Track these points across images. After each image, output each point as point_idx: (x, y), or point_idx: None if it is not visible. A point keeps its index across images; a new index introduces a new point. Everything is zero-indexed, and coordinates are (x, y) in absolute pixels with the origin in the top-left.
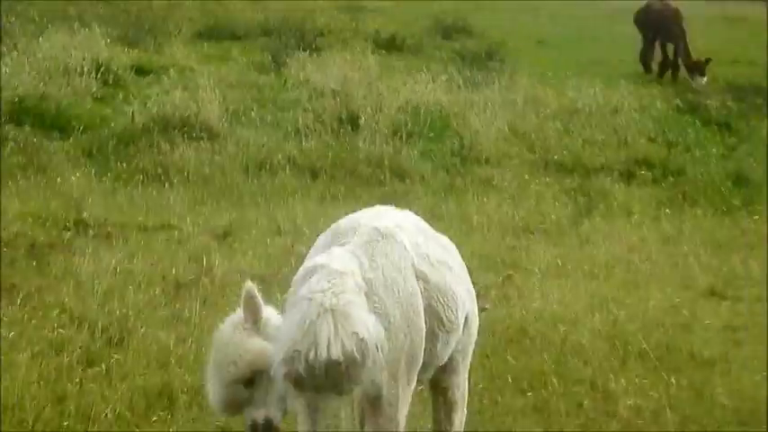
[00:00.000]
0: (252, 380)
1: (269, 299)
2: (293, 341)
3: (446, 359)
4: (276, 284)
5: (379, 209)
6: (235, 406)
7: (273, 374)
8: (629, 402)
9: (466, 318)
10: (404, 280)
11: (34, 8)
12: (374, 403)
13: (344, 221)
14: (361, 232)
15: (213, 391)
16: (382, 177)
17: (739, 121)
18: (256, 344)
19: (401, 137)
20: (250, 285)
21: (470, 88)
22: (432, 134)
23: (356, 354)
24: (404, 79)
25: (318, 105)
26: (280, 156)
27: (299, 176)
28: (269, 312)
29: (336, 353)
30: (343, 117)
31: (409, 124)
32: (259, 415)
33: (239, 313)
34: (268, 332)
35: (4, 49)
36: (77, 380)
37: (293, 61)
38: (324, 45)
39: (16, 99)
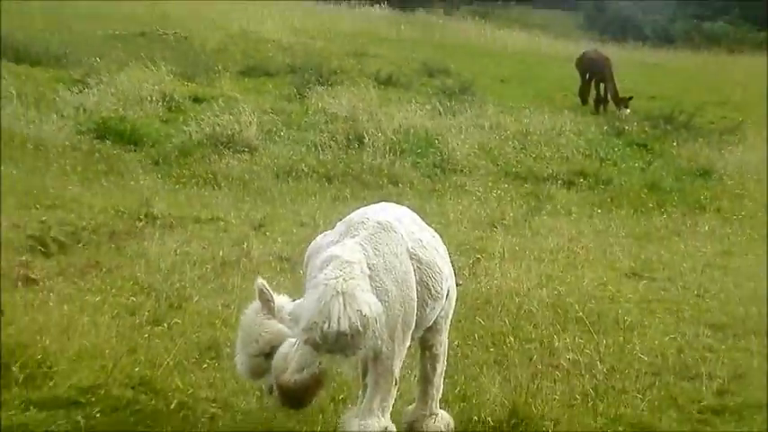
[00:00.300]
0: (270, 353)
1: (293, 276)
2: (312, 316)
3: (432, 322)
4: (299, 264)
5: (384, 204)
6: (258, 374)
7: (297, 338)
8: (568, 357)
9: (448, 290)
10: (400, 263)
11: (116, 50)
12: (375, 358)
13: (356, 215)
14: (367, 225)
15: (240, 363)
16: (381, 183)
17: (654, 142)
18: (273, 326)
19: (395, 152)
20: (260, 282)
21: (448, 116)
22: (419, 150)
23: (359, 327)
24: (398, 108)
25: (332, 128)
26: (303, 165)
27: (318, 182)
28: (281, 300)
29: (344, 326)
30: (351, 137)
31: (402, 142)
32: (272, 383)
33: (259, 304)
34: (282, 316)
35: (93, 81)
36: (146, 336)
37: (313, 93)
38: (336, 81)
39: (101, 120)
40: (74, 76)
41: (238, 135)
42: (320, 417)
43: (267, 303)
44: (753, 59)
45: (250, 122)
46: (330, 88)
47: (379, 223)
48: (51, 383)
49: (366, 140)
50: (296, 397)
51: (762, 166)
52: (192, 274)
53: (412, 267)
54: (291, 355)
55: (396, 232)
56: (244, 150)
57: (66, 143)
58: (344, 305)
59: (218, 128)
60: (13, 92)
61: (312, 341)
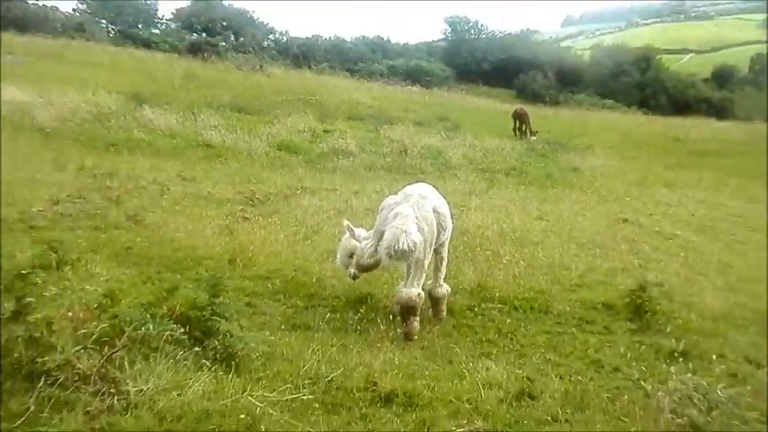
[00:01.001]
0: (351, 255)
1: (372, 216)
2: (391, 242)
3: (442, 240)
4: (374, 211)
5: (421, 183)
6: (345, 265)
7: (380, 252)
8: (506, 258)
9: (449, 226)
10: (429, 215)
11: (286, 106)
12: (416, 260)
13: (408, 189)
14: (414, 196)
15: (338, 259)
16: (415, 173)
17: (549, 154)
18: (353, 242)
19: (422, 157)
20: (346, 222)
21: (448, 140)
22: (433, 157)
23: (412, 247)
24: (423, 136)
25: (391, 145)
26: (377, 164)
27: (384, 172)
28: (359, 231)
29: (405, 247)
30: (400, 150)
31: (425, 153)
32: (352, 270)
33: (347, 232)
34: (358, 238)
35: (275, 122)
36: (300, 245)
37: (382, 128)
38: (394, 123)
39: (280, 141)
40: (266, 119)
41: (346, 148)
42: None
43: (351, 231)
44: (601, 113)
45: (351, 142)
46: (390, 126)
47: (420, 195)
48: (255, 268)
49: (408, 152)
50: (365, 269)
51: (602, 167)
52: (323, 216)
53: (434, 217)
54: (359, 254)
55: (427, 199)
56: (348, 156)
57: (262, 152)
58: (405, 236)
59: (335, 145)
60: (239, 130)
61: (389, 253)
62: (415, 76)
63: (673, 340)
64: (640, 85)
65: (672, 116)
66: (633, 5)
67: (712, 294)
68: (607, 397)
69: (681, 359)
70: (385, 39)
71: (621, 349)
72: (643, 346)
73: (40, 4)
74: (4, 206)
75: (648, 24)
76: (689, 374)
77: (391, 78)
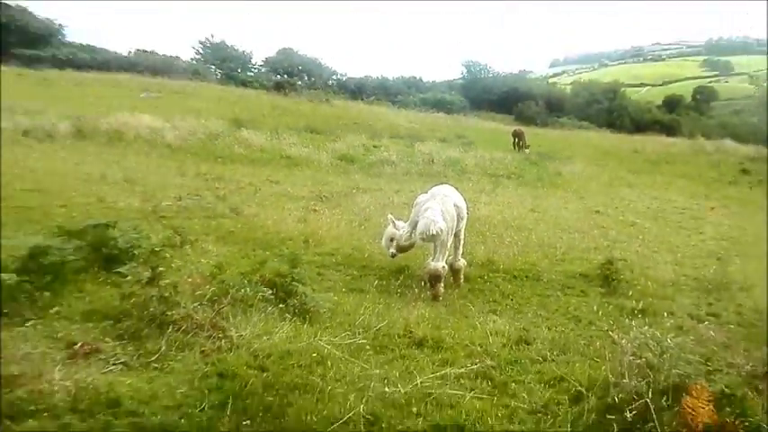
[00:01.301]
0: (392, 239)
1: (408, 209)
2: (422, 228)
3: (460, 227)
4: (409, 205)
5: (445, 185)
6: (387, 247)
7: (414, 236)
8: (508, 240)
9: (465, 216)
10: (451, 208)
11: (341, 128)
12: (441, 242)
13: (435, 189)
14: (439, 194)
15: (382, 242)
16: (440, 177)
17: (540, 162)
18: (393, 230)
19: (445, 165)
20: (389, 215)
21: (464, 153)
22: (453, 165)
23: (439, 233)
24: (446, 149)
25: (422, 157)
26: (412, 170)
27: (418, 176)
28: (399, 223)
29: (434, 232)
30: (428, 160)
31: (447, 162)
32: (392, 250)
33: (389, 223)
34: (397, 226)
35: (338, 140)
36: (356, 230)
37: (416, 145)
38: (424, 140)
39: (341, 154)
40: (331, 138)
41: (389, 159)
42: (405, 270)
43: (392, 223)
44: (579, 132)
45: (393, 154)
46: (422, 142)
47: (444, 193)
48: (323, 246)
49: (434, 161)
50: (403, 249)
51: (580, 172)
52: (372, 209)
53: (454, 210)
54: (398, 238)
55: (449, 196)
56: (391, 164)
57: (328, 162)
58: (434, 225)
59: (381, 156)
60: (310, 146)
61: (422, 237)
62: (440, 106)
63: (633, 301)
64: (609, 111)
65: (633, 134)
66: (603, 51)
67: (663, 267)
68: (583, 343)
69: (640, 315)
70: (417, 78)
71: (594, 308)
72: (611, 306)
73: (169, 54)
74: (143, 201)
75: (615, 65)
76: (646, 327)
77: (422, 107)
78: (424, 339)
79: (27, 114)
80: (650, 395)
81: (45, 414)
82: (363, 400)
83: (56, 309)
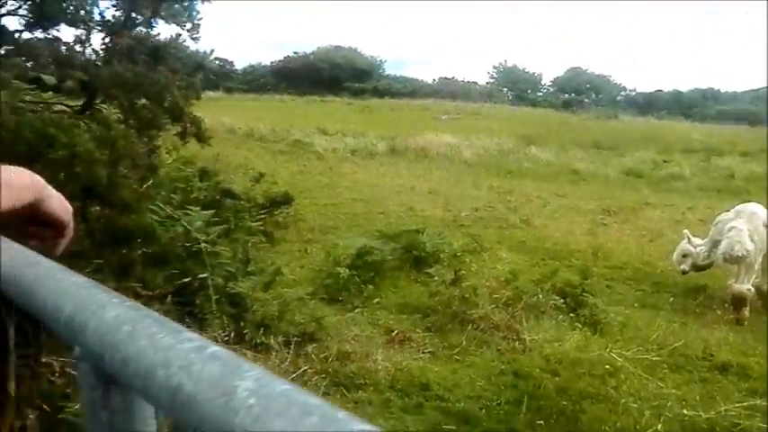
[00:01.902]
0: (685, 255)
1: (700, 228)
2: (725, 249)
3: None
4: (706, 222)
5: (752, 203)
6: (679, 263)
7: (714, 256)
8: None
9: None
10: (761, 228)
11: (562, 140)
12: (747, 264)
13: (739, 207)
14: (746, 213)
15: (674, 257)
16: (743, 195)
17: None
18: (689, 247)
19: (748, 181)
20: (686, 231)
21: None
22: (758, 182)
23: (744, 254)
24: (748, 165)
25: (719, 171)
26: (708, 186)
27: (713, 193)
28: (696, 240)
29: (739, 254)
30: (728, 175)
31: (750, 178)
32: (684, 267)
33: (685, 239)
34: (694, 243)
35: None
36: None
37: (713, 158)
38: (723, 153)
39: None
40: (617, 153)
41: (680, 174)
42: (704, 289)
43: (688, 239)
44: None
45: (686, 169)
46: (719, 157)
47: (751, 212)
48: (612, 260)
49: (734, 177)
50: (700, 268)
51: None
52: (663, 225)
53: (765, 230)
54: (693, 256)
55: (757, 215)
56: (682, 180)
57: (614, 177)
58: (739, 246)
59: (672, 171)
60: (597, 161)
61: (724, 257)
62: (742, 118)
63: None
64: None
65: None
66: None
67: None
68: None
69: None
70: (715, 89)
71: None
72: None
73: (467, 80)
74: (445, 210)
75: None
76: None
77: (720, 120)
78: (727, 364)
79: (354, 136)
80: None
81: (371, 388)
82: (660, 419)
83: (377, 300)
